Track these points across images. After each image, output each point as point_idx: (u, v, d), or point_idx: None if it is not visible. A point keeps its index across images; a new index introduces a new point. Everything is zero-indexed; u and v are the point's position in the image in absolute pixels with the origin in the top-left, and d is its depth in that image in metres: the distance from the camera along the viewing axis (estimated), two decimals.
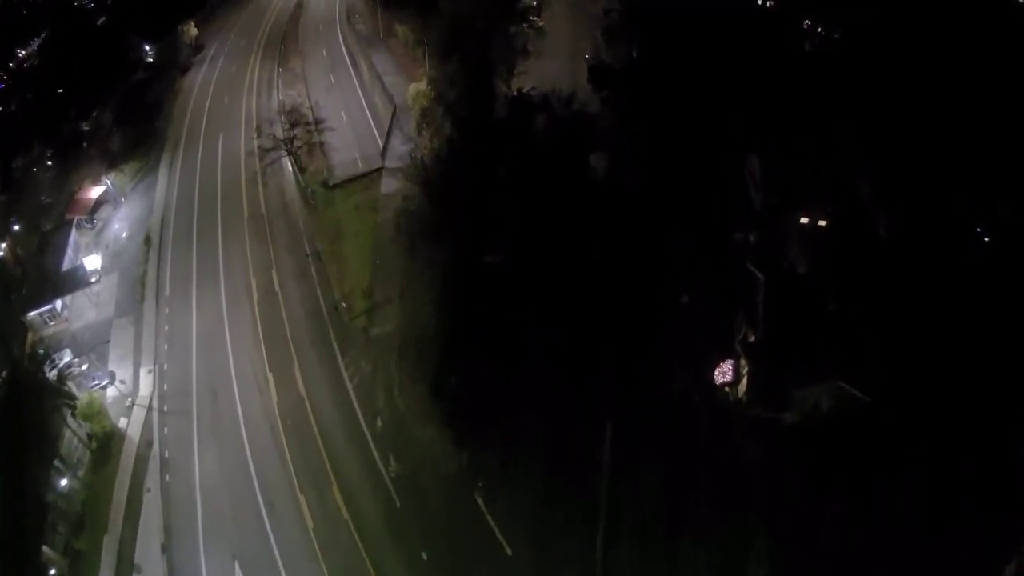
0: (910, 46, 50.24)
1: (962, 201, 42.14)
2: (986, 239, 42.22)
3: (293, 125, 61.68)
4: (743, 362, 39.03)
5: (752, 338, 39.04)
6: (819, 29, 59.31)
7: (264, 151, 63.06)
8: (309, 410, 46.78)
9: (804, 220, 40.38)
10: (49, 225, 72.03)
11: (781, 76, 52.94)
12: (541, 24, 70.73)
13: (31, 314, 58.78)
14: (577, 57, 66.50)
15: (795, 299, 37.39)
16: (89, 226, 71.82)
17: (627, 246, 43.99)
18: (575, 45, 68.22)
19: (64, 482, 44.24)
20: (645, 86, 56.81)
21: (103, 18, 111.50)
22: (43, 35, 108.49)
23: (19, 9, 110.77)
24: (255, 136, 67.31)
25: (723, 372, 39.65)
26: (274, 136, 63.61)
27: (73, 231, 68.18)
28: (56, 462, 44.54)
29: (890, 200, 42.54)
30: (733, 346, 39.70)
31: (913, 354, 35.20)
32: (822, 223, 40.52)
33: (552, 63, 65.64)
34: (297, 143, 62.36)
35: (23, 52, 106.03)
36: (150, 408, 49.35)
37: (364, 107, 76.29)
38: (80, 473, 45.96)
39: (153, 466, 45.65)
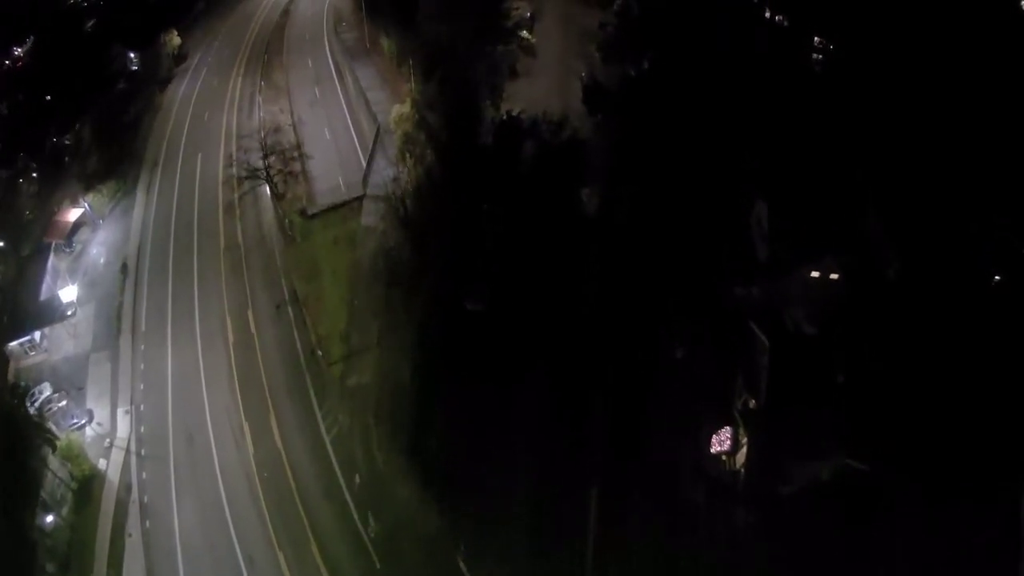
0: (924, 66, 47.96)
1: (976, 228, 40.03)
2: (997, 277, 40.21)
3: (267, 155, 59.81)
4: (742, 431, 37.20)
5: (752, 405, 37.14)
6: (830, 46, 56.73)
7: (241, 179, 61.43)
8: (286, 463, 46.40)
9: (814, 274, 38.13)
10: (28, 249, 71.79)
11: (791, 100, 50.71)
12: (532, 41, 68.20)
13: (11, 344, 58.97)
14: (570, 76, 63.90)
15: (800, 367, 35.28)
16: (68, 251, 71.57)
17: (619, 294, 42.13)
18: (568, 62, 65.72)
19: (50, 519, 45.13)
20: (643, 110, 54.70)
21: (92, 21, 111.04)
22: (30, 40, 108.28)
23: (7, 11, 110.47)
24: (231, 164, 65.66)
25: (721, 440, 37.86)
26: (249, 163, 61.95)
27: (51, 256, 68.14)
28: (42, 495, 45.64)
29: (901, 237, 40.41)
30: (731, 412, 37.87)
31: (925, 423, 33.29)
32: (833, 276, 38.28)
33: (543, 82, 63.41)
34: (275, 171, 60.63)
35: (14, 54, 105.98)
36: (128, 451, 49.53)
37: (348, 123, 74.36)
38: (64, 512, 46.43)
39: (133, 511, 45.68)
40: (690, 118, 51.52)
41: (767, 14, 62.65)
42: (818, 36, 57.69)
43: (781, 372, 35.88)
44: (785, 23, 60.47)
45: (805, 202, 40.86)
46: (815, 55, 57.25)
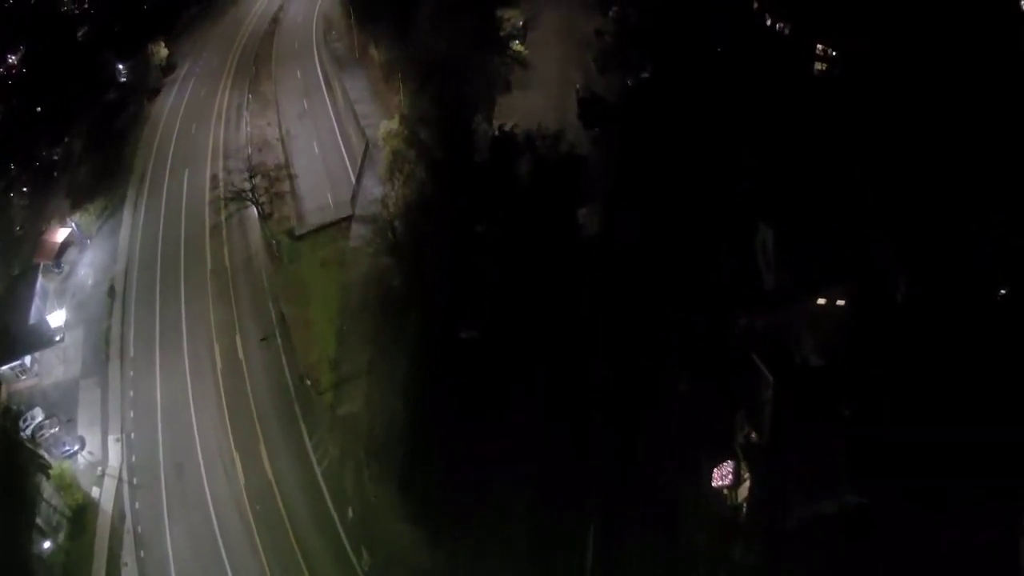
0: (928, 71, 46.64)
1: (975, 229, 38.88)
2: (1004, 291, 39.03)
3: (253, 176, 58.36)
4: (744, 465, 35.93)
5: (755, 439, 35.84)
6: (833, 54, 55.22)
7: (227, 200, 60.10)
8: (278, 496, 45.81)
9: (821, 302, 36.75)
10: (17, 268, 71.61)
11: (794, 112, 49.25)
12: (526, 53, 66.56)
13: (3, 368, 58.86)
14: (566, 87, 62.52)
15: (805, 401, 34.09)
16: (56, 271, 70.84)
17: (619, 322, 40.80)
18: (564, 73, 64.27)
19: (47, 544, 45.43)
20: (641, 124, 53.25)
21: (85, 28, 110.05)
22: (23, 47, 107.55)
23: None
24: (217, 185, 64.31)
25: (723, 474, 36.68)
26: (233, 185, 60.61)
27: (40, 277, 67.40)
28: (38, 521, 45.99)
29: (908, 251, 39.15)
30: (733, 445, 36.62)
31: (931, 456, 32.34)
32: (840, 303, 36.89)
33: (538, 94, 61.94)
34: (262, 192, 59.24)
35: (9, 60, 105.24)
36: (120, 479, 49.41)
37: (338, 137, 72.75)
38: (60, 539, 46.53)
39: (128, 540, 45.56)
40: (691, 132, 50.18)
41: (768, 21, 61.20)
42: (821, 43, 56.39)
43: (785, 407, 34.83)
44: (786, 31, 58.96)
45: (812, 223, 39.54)
46: (818, 64, 55.87)
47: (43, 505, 47.32)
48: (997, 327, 36.01)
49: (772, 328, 36.83)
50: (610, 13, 70.94)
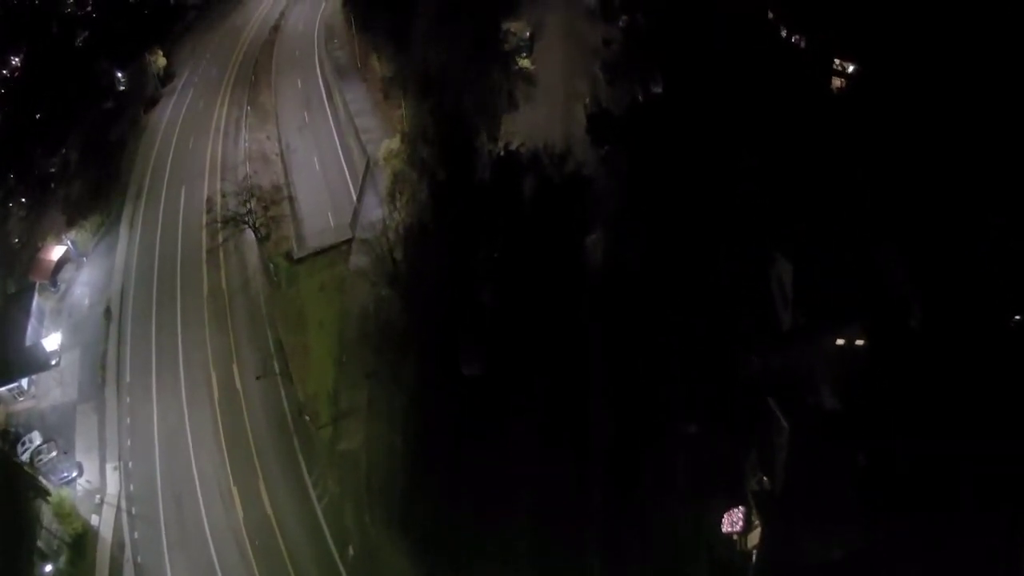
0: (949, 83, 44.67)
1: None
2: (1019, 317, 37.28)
3: (247, 200, 56.90)
4: (755, 511, 34.32)
5: (766, 485, 34.25)
6: (851, 69, 53.09)
7: (224, 223, 58.73)
8: (277, 531, 45.01)
9: (840, 342, 35.00)
10: (13, 286, 70.83)
11: (813, 129, 47.29)
12: (531, 67, 64.58)
13: (1, 389, 58.35)
14: (573, 100, 60.66)
15: (820, 449, 32.60)
16: (53, 290, 69.98)
17: (628, 360, 39.14)
18: (570, 85, 62.36)
19: (48, 568, 45.56)
20: (652, 141, 51.31)
21: (85, 33, 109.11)
22: (25, 49, 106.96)
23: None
24: (214, 207, 62.91)
25: (732, 520, 35.20)
26: (229, 209, 59.25)
27: (36, 296, 66.45)
28: (39, 544, 46.52)
29: (925, 273, 37.49)
30: (744, 490, 35.06)
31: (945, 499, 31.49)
32: (859, 342, 35.12)
33: (544, 108, 60.14)
34: (259, 211, 57.77)
35: (12, 63, 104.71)
36: (119, 508, 48.91)
37: (339, 151, 71.09)
38: (60, 563, 46.44)
39: (128, 569, 45.33)
40: (705, 151, 48.29)
41: (783, 33, 59.03)
42: (839, 58, 54.27)
43: (799, 453, 33.40)
44: (802, 44, 56.80)
45: (830, 252, 37.66)
46: (836, 79, 53.77)
47: (42, 530, 47.33)
48: (1013, 354, 34.69)
49: (787, 369, 35.18)
50: (618, 21, 69.17)
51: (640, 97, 59.41)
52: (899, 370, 34.72)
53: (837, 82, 54.56)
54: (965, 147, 40.59)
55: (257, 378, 50.01)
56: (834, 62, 53.71)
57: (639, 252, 42.58)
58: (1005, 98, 41.80)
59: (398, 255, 48.28)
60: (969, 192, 38.58)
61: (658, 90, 59.69)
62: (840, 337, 35.20)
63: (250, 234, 60.07)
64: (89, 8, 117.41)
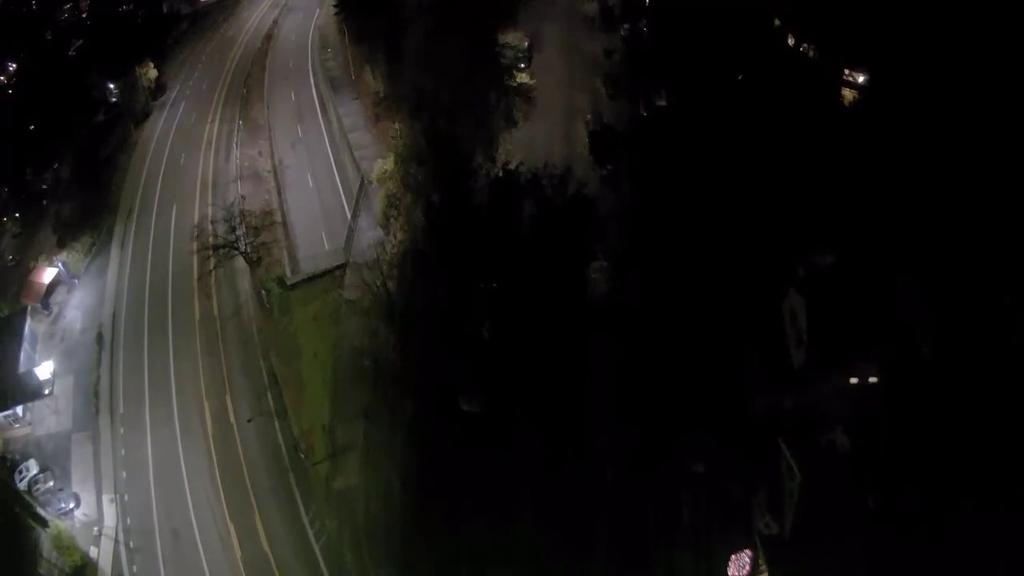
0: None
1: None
2: None
3: (236, 227, 55.93)
4: (762, 556, 33.21)
5: (775, 528, 33.12)
6: (861, 80, 51.57)
7: (215, 249, 57.77)
8: (275, 571, 44.30)
9: (853, 380, 33.76)
10: (5, 309, 70.09)
11: (826, 145, 45.76)
12: (530, 82, 63.23)
13: None
14: (573, 115, 59.51)
15: (831, 492, 31.53)
16: (45, 313, 69.34)
17: (633, 396, 37.98)
18: (570, 100, 61.11)
19: None
20: (656, 160, 50.00)
21: (80, 42, 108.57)
22: (16, 64, 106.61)
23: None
24: (204, 232, 61.88)
25: (740, 565, 34.15)
26: (218, 236, 58.37)
27: (28, 320, 65.85)
28: (40, 572, 46.63)
29: (946, 316, 36.07)
30: (752, 534, 33.93)
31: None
32: (873, 380, 33.88)
33: (543, 127, 58.82)
34: (250, 236, 56.78)
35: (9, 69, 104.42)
36: (117, 541, 48.72)
37: (333, 168, 69.82)
38: None
39: None
40: (712, 170, 46.95)
41: (791, 41, 57.57)
42: (849, 68, 52.77)
43: (809, 495, 32.32)
44: (811, 53, 55.33)
45: (849, 287, 36.22)
46: (847, 91, 52.28)
47: (43, 561, 47.39)
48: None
49: (798, 408, 33.96)
50: (620, 31, 67.85)
51: (644, 111, 58.19)
52: (914, 408, 33.52)
53: (848, 95, 53.16)
54: (990, 168, 39.00)
55: (249, 420, 49.14)
56: (844, 72, 52.38)
57: (644, 283, 41.29)
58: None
59: (392, 287, 47.11)
60: (993, 218, 37.05)
61: (662, 103, 58.48)
62: (854, 375, 33.89)
63: (241, 259, 59.15)
64: (84, 15, 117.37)
